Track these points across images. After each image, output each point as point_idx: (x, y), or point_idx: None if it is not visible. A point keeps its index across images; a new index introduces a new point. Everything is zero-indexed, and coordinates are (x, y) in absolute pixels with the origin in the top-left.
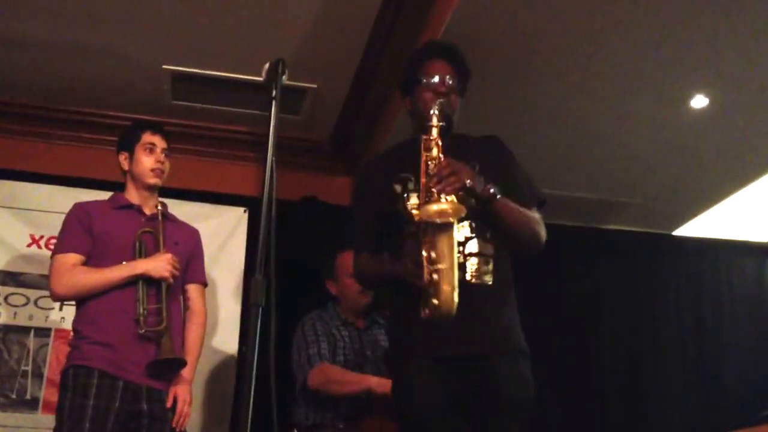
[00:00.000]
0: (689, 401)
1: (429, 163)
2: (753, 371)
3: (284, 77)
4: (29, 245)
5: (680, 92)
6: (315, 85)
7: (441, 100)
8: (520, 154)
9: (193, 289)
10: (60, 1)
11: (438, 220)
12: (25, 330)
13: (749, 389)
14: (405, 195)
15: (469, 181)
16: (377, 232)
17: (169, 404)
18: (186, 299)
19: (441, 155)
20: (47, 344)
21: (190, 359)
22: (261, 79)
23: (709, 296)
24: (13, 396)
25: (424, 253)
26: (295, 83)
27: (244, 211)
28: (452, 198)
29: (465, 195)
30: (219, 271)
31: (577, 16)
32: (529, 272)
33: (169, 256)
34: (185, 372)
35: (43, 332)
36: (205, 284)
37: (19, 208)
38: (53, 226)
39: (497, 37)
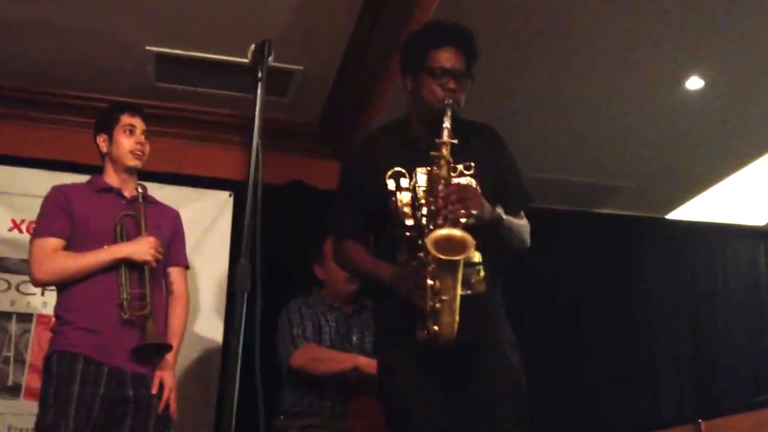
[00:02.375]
0: (683, 385)
1: (436, 181)
2: (747, 355)
3: (270, 58)
4: (10, 230)
5: (675, 74)
6: (302, 67)
7: (451, 102)
8: (511, 138)
9: (175, 272)
10: None
11: (445, 257)
12: (6, 316)
13: (743, 373)
14: (397, 192)
15: (476, 211)
16: (364, 221)
17: (155, 390)
18: (168, 283)
19: (451, 176)
20: (29, 330)
21: (174, 342)
22: (247, 60)
23: (702, 280)
24: None
25: (429, 282)
26: (282, 65)
27: (230, 195)
28: (458, 228)
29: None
30: (203, 255)
31: None
32: (521, 256)
33: (152, 239)
34: (169, 356)
35: (25, 318)
36: (187, 267)
37: None
38: (35, 210)
39: (488, 19)
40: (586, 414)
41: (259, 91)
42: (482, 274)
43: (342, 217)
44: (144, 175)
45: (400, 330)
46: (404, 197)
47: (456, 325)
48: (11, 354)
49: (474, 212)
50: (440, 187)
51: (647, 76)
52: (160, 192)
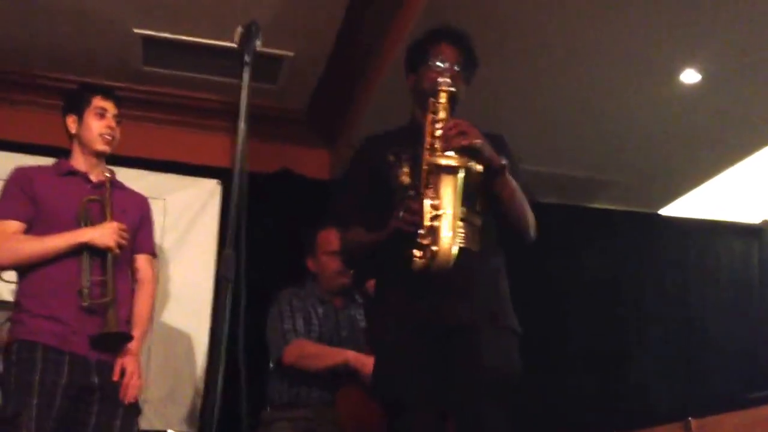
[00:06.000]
0: (674, 382)
1: (435, 124)
2: (739, 353)
3: (258, 41)
4: None
5: (670, 67)
6: (292, 53)
7: (446, 80)
8: (503, 132)
9: (141, 260)
10: None
11: (444, 162)
12: None
13: (735, 371)
14: (397, 164)
15: (478, 141)
16: (368, 208)
17: (116, 377)
18: (134, 269)
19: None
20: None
21: (138, 330)
22: (236, 45)
23: (694, 277)
24: None
25: (427, 202)
26: (272, 50)
27: (218, 183)
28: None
29: (471, 156)
30: (191, 244)
31: None
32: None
33: (115, 224)
34: (132, 344)
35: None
36: (154, 255)
37: None
38: None
39: (482, 10)
40: (576, 410)
41: (245, 74)
42: (476, 235)
43: (348, 206)
44: (129, 161)
45: (399, 314)
46: (405, 167)
47: (454, 245)
48: None
49: (476, 142)
50: (438, 125)
51: (641, 68)
52: (146, 179)
